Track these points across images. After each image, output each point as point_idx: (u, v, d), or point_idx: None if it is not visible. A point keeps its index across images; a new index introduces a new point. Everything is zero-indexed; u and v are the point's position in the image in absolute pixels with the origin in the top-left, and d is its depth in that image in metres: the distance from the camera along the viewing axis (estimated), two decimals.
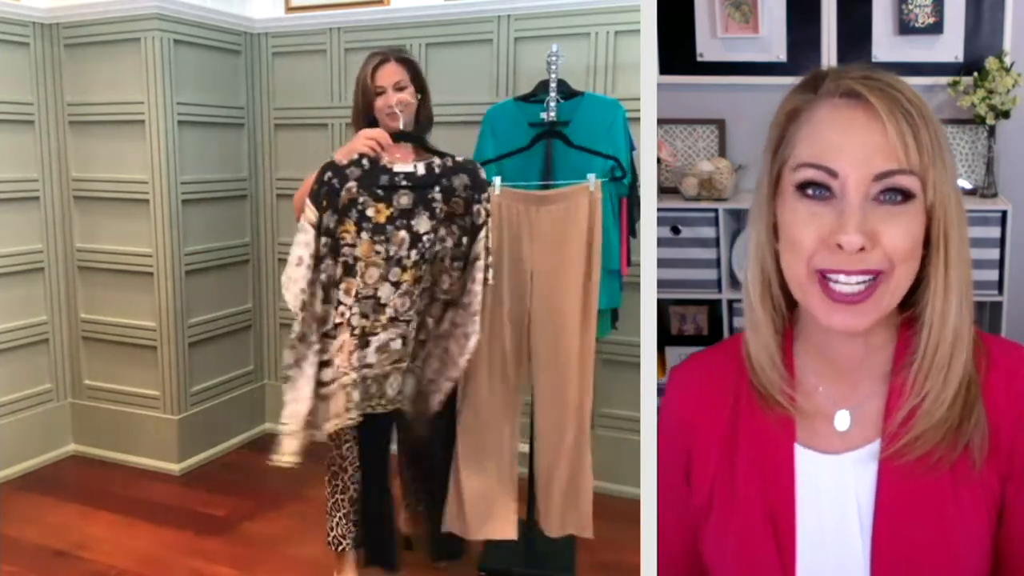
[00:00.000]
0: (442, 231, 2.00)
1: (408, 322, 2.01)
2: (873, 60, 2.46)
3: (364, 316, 1.98)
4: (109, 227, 3.27)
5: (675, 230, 2.53)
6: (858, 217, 0.89)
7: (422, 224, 1.98)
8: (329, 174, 1.97)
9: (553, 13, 2.93)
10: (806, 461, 0.99)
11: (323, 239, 1.96)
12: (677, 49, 2.49)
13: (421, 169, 1.99)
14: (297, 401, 1.96)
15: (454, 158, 2.05)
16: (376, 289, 1.98)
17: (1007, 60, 2.40)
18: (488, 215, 2.03)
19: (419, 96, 2.22)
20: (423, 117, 2.24)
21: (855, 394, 1.00)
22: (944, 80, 2.46)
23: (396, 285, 1.98)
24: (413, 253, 1.99)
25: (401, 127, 2.13)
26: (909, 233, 0.91)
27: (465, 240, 2.04)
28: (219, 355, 3.46)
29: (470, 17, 3.08)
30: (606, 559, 2.50)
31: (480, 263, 2.04)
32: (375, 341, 1.98)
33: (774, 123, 0.98)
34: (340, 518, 2.26)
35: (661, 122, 2.58)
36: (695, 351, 1.15)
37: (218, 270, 3.43)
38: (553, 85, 2.25)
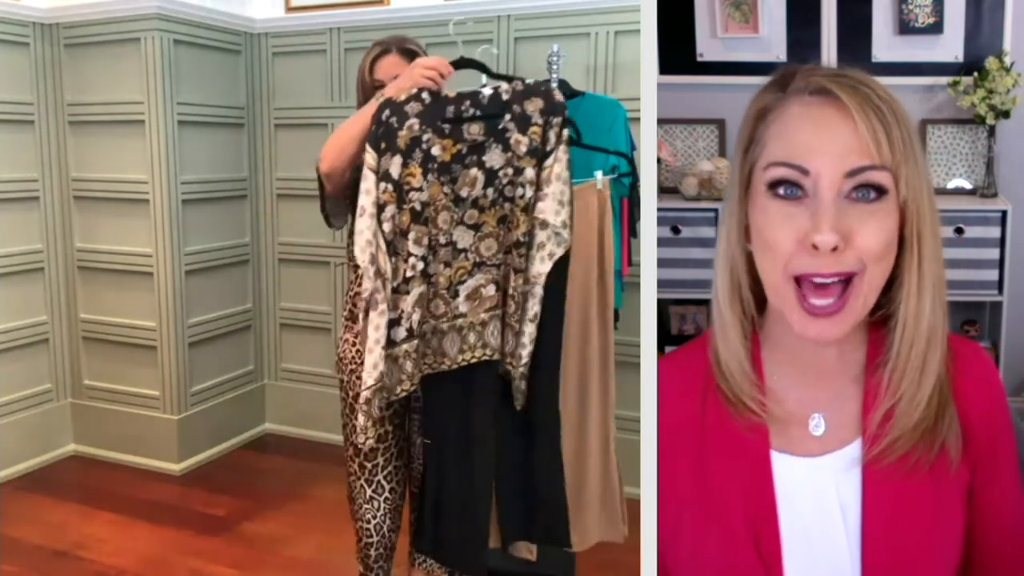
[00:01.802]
0: (525, 167, 1.75)
1: (498, 266, 1.79)
2: (873, 60, 2.46)
3: (446, 264, 1.79)
4: (109, 227, 3.27)
5: (675, 230, 2.53)
6: (832, 215, 0.88)
7: (495, 159, 1.76)
8: (387, 112, 1.77)
9: (553, 13, 2.93)
10: (783, 466, 0.98)
11: (384, 185, 1.77)
12: (677, 49, 2.49)
13: (488, 91, 1.77)
14: (369, 368, 1.78)
15: (523, 81, 1.82)
16: (451, 234, 1.77)
17: (1007, 60, 2.40)
18: (559, 141, 1.78)
19: None
20: None
21: (828, 397, 0.99)
22: (944, 80, 2.46)
23: (475, 228, 1.77)
24: (490, 192, 1.76)
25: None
26: (883, 231, 0.90)
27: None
28: (219, 355, 3.46)
29: (470, 17, 3.08)
30: (606, 559, 2.49)
31: (547, 191, 1.76)
32: (463, 289, 1.79)
33: (743, 123, 0.97)
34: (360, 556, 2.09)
35: (661, 122, 2.58)
36: None
37: (218, 270, 3.43)
38: (555, 85, 2.25)
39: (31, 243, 3.26)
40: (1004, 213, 2.39)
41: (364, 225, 1.79)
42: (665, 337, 2.67)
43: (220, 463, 3.39)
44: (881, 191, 0.90)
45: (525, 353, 1.83)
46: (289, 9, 3.42)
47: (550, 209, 1.77)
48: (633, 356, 3.01)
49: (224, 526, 2.82)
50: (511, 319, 1.81)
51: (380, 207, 1.78)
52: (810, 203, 0.90)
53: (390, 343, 1.78)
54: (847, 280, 0.91)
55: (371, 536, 2.06)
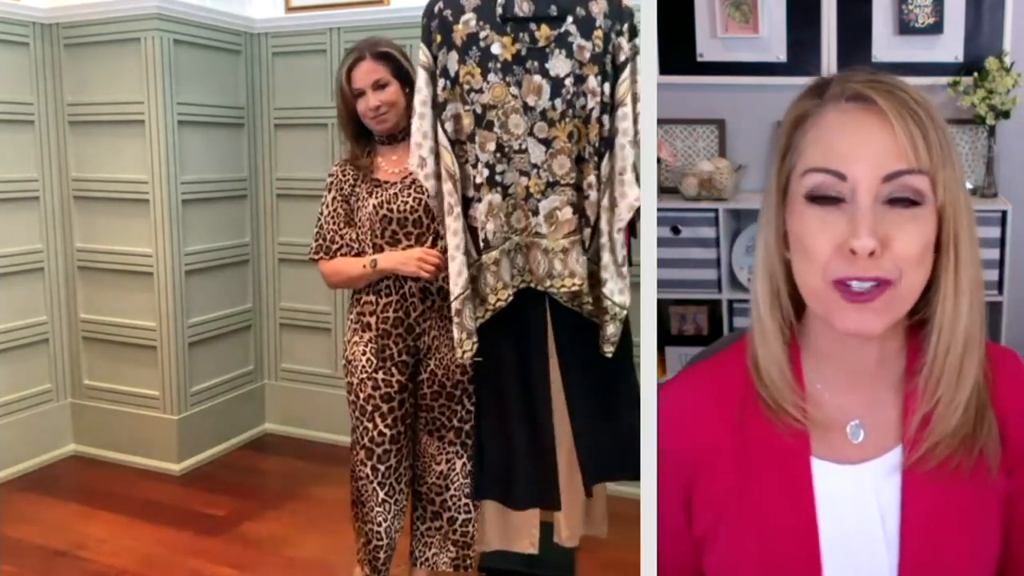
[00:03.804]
0: (587, 75, 1.65)
1: (573, 187, 1.68)
2: (873, 60, 2.46)
3: (523, 173, 1.67)
4: (109, 227, 3.27)
5: (675, 230, 2.53)
6: (870, 220, 0.88)
7: (559, 66, 1.65)
8: (440, 4, 1.69)
9: None
10: (824, 473, 0.98)
11: (442, 81, 1.65)
12: (677, 49, 2.49)
13: None
14: (454, 276, 1.67)
15: None
16: (525, 142, 1.66)
17: (1007, 60, 2.40)
18: (633, 52, 1.67)
19: (407, 90, 1.97)
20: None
21: (867, 404, 0.99)
22: (944, 80, 2.45)
23: (546, 143, 1.66)
24: (558, 103, 1.65)
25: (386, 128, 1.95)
26: (920, 237, 0.89)
27: (607, 86, 1.67)
28: (219, 355, 3.46)
29: None
30: (606, 559, 2.50)
31: (625, 111, 1.66)
32: (542, 208, 1.68)
33: (780, 130, 0.97)
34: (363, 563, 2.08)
35: (661, 122, 2.58)
36: (695, 351, 1.14)
37: (218, 270, 3.43)
38: None
39: (31, 243, 3.26)
40: (1004, 213, 2.39)
41: (419, 128, 1.68)
42: (665, 337, 2.66)
43: (220, 463, 3.39)
44: (919, 198, 0.89)
45: (616, 291, 1.71)
46: (289, 9, 3.42)
47: (632, 131, 1.66)
48: (634, 356, 3.01)
49: (224, 526, 2.82)
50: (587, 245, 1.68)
51: (440, 106, 1.68)
52: (848, 208, 0.89)
53: (476, 252, 1.68)
54: (884, 286, 0.90)
55: (381, 539, 2.04)
